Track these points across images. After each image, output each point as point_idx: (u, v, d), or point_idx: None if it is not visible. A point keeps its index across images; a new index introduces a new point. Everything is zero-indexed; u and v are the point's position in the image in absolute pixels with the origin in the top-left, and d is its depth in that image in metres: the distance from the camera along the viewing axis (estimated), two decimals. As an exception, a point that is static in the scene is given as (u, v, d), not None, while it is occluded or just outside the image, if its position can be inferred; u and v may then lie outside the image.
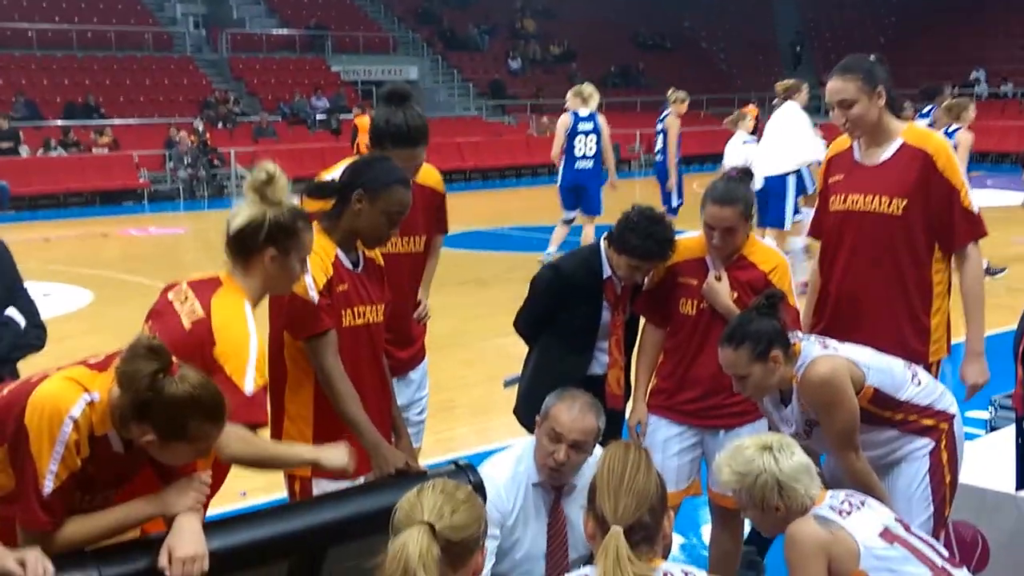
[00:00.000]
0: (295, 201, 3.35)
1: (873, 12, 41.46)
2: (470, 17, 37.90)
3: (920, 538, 3.27)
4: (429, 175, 4.35)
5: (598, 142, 11.98)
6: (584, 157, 11.97)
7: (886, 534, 3.16)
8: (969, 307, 4.11)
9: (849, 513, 3.19)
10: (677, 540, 5.11)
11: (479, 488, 3.48)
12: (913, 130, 4.21)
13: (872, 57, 4.23)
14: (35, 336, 4.07)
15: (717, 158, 19.28)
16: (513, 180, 26.98)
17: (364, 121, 23.59)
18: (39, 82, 27.17)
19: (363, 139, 21.92)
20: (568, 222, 12.32)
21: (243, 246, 3.25)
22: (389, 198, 3.66)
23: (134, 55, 29.68)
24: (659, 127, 13.78)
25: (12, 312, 4.01)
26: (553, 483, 3.82)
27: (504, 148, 28.30)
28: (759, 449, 3.19)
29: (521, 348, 4.65)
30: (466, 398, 5.00)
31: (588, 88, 12.22)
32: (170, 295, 3.25)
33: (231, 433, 2.98)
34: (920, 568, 3.12)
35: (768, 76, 38.94)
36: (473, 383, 4.58)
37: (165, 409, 2.66)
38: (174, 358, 2.75)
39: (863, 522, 3.18)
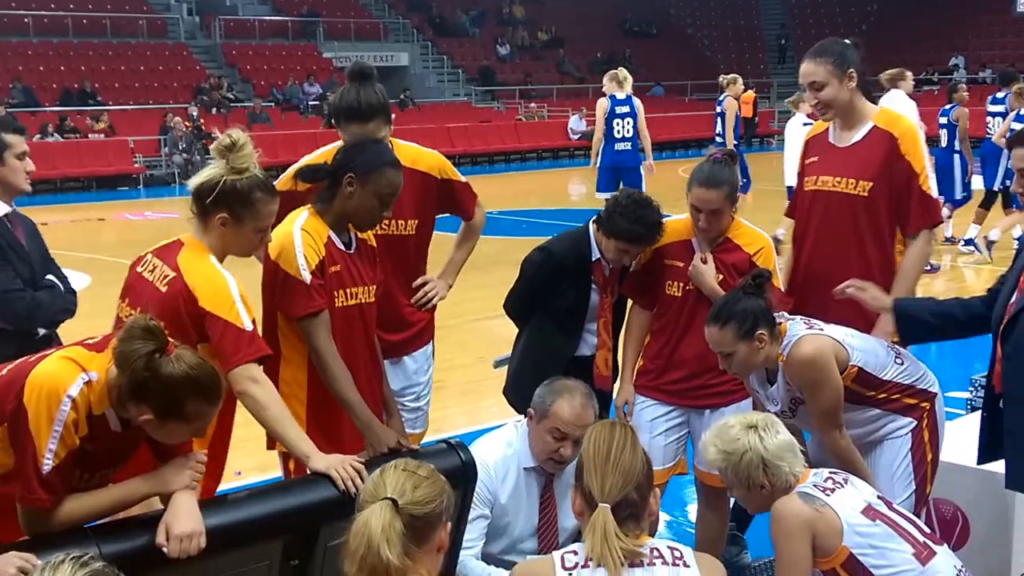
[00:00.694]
0: (258, 171, 3.36)
1: (856, 0, 41.41)
2: (459, 4, 37.73)
3: (902, 515, 3.27)
4: (422, 158, 4.23)
5: (635, 124, 12.12)
6: (623, 139, 12.16)
7: (868, 511, 3.16)
8: (899, 280, 4.10)
9: (832, 491, 3.18)
10: (664, 518, 5.12)
11: (471, 466, 3.48)
12: (885, 113, 4.23)
13: (847, 41, 4.24)
14: (71, 300, 4.26)
15: (702, 143, 19.31)
16: (502, 165, 26.93)
17: None
18: (35, 69, 26.98)
19: None
20: None
21: (198, 205, 3.32)
22: (379, 180, 3.65)
23: (129, 42, 29.50)
24: (718, 110, 13.77)
25: (52, 278, 4.21)
26: (554, 472, 3.85)
27: (493, 133, 28.21)
28: (744, 428, 3.18)
29: (510, 329, 4.63)
30: (456, 378, 5.00)
31: (623, 72, 12.42)
32: (139, 268, 3.32)
33: (241, 376, 3.09)
34: (902, 544, 3.13)
35: (753, 63, 39.02)
36: (463, 364, 4.57)
37: (161, 389, 2.65)
38: (170, 339, 2.74)
39: (846, 499, 3.17)
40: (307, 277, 3.56)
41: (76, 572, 2.17)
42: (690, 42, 41.33)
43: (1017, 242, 10.62)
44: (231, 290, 3.20)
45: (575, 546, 2.68)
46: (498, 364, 4.76)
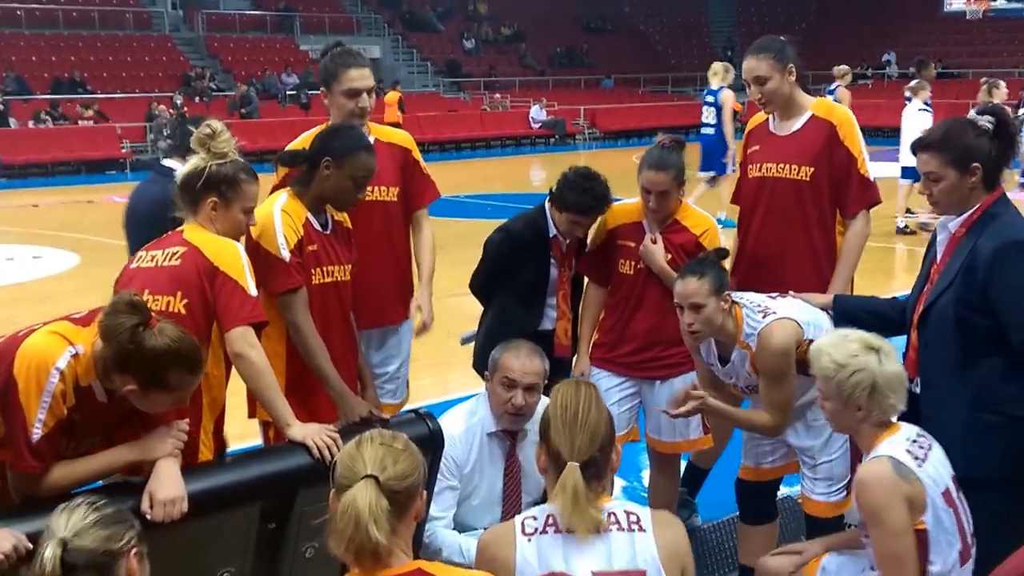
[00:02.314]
0: (237, 155, 3.33)
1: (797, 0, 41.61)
2: (428, 0, 37.47)
3: (962, 504, 2.96)
4: (395, 135, 4.35)
5: (718, 113, 12.45)
6: (705, 124, 12.65)
7: (947, 495, 2.87)
8: (842, 262, 4.13)
9: (924, 459, 2.86)
10: (619, 483, 5.13)
11: (438, 435, 3.46)
12: (821, 103, 4.25)
13: (783, 38, 4.26)
14: None
15: (654, 131, 19.27)
16: (468, 152, 26.83)
17: (393, 96, 23.54)
18: (28, 59, 26.58)
19: (391, 114, 21.99)
20: (710, 181, 12.60)
21: (188, 194, 3.28)
22: (355, 163, 3.64)
23: (116, 34, 29.11)
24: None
25: None
26: (513, 428, 3.81)
27: (460, 122, 28.10)
28: (866, 347, 2.90)
29: (476, 307, 4.61)
30: (426, 352, 4.99)
31: (715, 66, 12.85)
32: (132, 266, 3.24)
33: (240, 338, 3.06)
34: (956, 540, 2.87)
35: (700, 57, 39.07)
36: (432, 338, 4.53)
37: (145, 360, 2.63)
38: (154, 314, 2.71)
39: (934, 473, 2.86)
40: (286, 255, 3.55)
41: (89, 515, 2.20)
42: (642, 37, 41.31)
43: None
44: (242, 256, 3.19)
45: (535, 511, 2.56)
46: (465, 340, 4.73)
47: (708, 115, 12.70)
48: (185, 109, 23.96)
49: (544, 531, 2.48)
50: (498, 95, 31.87)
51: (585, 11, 40.10)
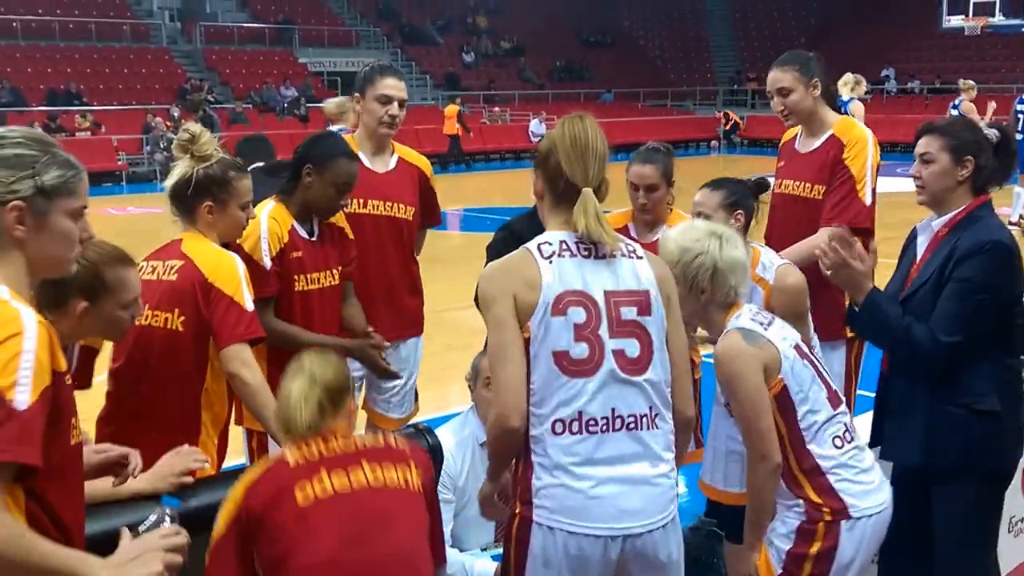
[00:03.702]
0: (222, 152, 3.32)
1: (796, 13, 41.72)
2: (427, 14, 37.58)
3: (817, 358, 3.12)
4: (417, 158, 4.43)
5: None
6: None
7: (799, 349, 2.99)
8: (793, 248, 4.00)
9: (769, 324, 3.01)
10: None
11: (437, 449, 3.42)
12: (844, 122, 4.19)
13: (811, 54, 4.25)
14: None
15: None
16: (467, 166, 26.85)
17: (452, 109, 23.65)
18: (23, 70, 26.59)
19: (449, 126, 22.05)
20: None
21: (181, 203, 3.25)
22: (335, 170, 3.68)
23: (113, 46, 29.14)
24: (955, 114, 13.82)
25: None
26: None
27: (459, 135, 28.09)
28: (708, 233, 3.02)
29: (475, 320, 4.55)
30: (424, 366, 4.96)
31: (845, 77, 12.81)
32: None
33: (235, 357, 3.03)
34: (821, 386, 2.99)
35: (700, 72, 39.21)
36: (430, 352, 4.50)
37: (80, 273, 2.44)
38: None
39: (780, 333, 3.00)
40: (267, 263, 3.62)
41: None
42: (642, 52, 41.44)
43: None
44: (238, 269, 3.16)
45: (547, 236, 2.68)
46: None
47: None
48: (182, 122, 23.98)
49: (560, 255, 2.62)
50: (497, 109, 31.91)
51: (585, 25, 40.22)
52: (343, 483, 2.38)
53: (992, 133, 3.25)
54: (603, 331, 2.58)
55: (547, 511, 2.52)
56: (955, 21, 31.80)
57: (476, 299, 2.72)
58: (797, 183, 4.16)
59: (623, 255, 2.68)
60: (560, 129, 2.70)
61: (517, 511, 2.61)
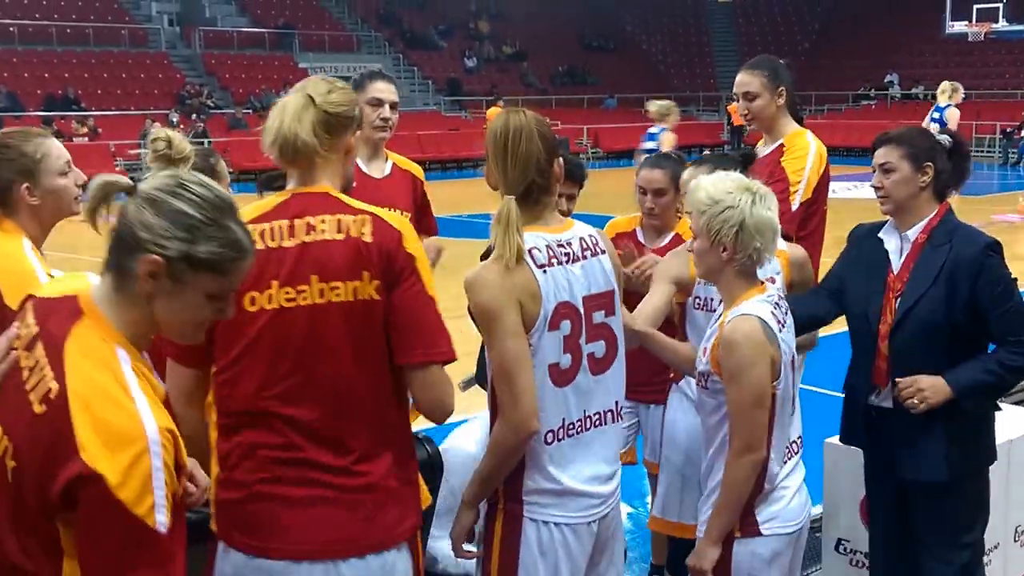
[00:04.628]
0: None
1: (799, 18, 41.79)
2: (428, 18, 37.64)
3: (796, 375, 3.06)
4: (410, 165, 4.40)
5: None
6: None
7: (792, 364, 2.91)
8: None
9: (784, 325, 2.89)
10: (625, 509, 5.07)
11: (437, 459, 3.42)
12: (797, 133, 4.12)
13: (781, 61, 4.24)
14: None
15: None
16: (470, 171, 26.84)
17: (494, 112, 23.67)
18: (20, 75, 26.62)
19: None
20: None
21: None
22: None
23: (111, 51, 29.18)
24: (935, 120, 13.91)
25: None
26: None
27: (461, 141, 28.16)
28: (742, 188, 2.83)
29: (469, 327, 4.55)
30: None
31: (943, 85, 13.22)
32: None
33: None
34: (794, 410, 3.00)
35: (703, 76, 39.27)
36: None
37: (8, 162, 2.72)
38: None
39: (790, 339, 2.91)
40: None
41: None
42: (645, 57, 41.50)
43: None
44: None
45: (532, 240, 2.62)
46: (465, 385, 4.63)
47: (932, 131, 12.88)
48: (181, 127, 24.02)
49: (551, 264, 2.61)
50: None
51: (587, 30, 40.28)
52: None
53: (944, 139, 3.34)
54: (583, 339, 2.65)
55: (538, 507, 2.64)
56: (959, 27, 31.79)
57: (469, 308, 2.65)
58: None
59: (595, 254, 2.70)
60: (491, 125, 2.72)
61: (501, 507, 2.66)
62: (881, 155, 3.33)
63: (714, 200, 2.81)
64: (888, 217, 3.38)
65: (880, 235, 3.39)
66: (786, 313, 2.93)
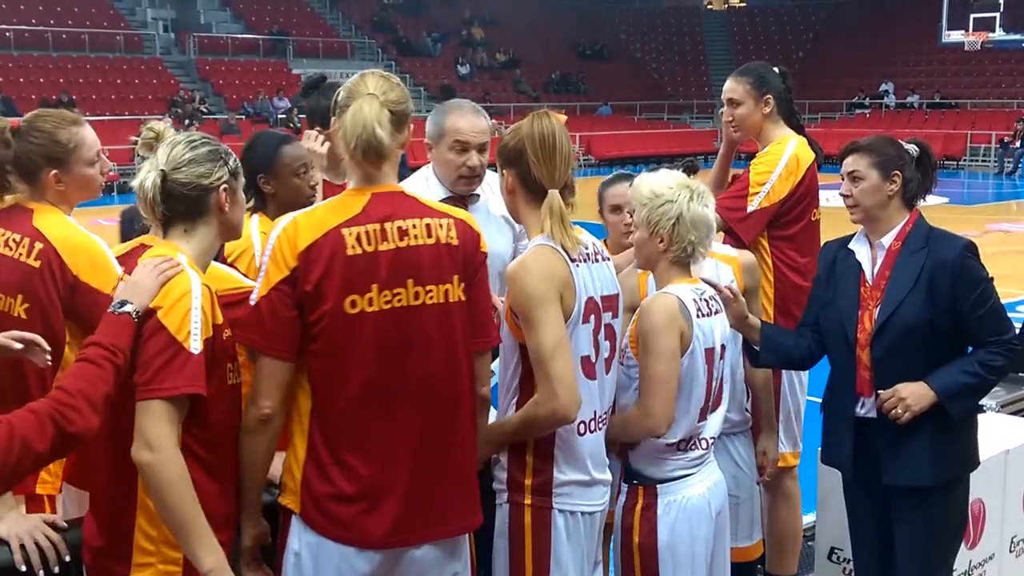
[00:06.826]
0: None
1: (794, 27, 41.90)
2: (422, 25, 37.67)
3: (719, 371, 3.10)
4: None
5: None
6: None
7: (710, 355, 3.00)
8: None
9: (708, 315, 3.02)
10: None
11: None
12: (780, 141, 4.03)
13: (775, 69, 4.14)
14: None
15: (650, 159, 19.32)
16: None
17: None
18: (15, 80, 26.61)
19: None
20: None
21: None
22: (283, 162, 3.53)
23: (106, 56, 29.17)
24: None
25: None
26: (469, 191, 3.72)
27: (454, 148, 28.12)
28: (682, 186, 3.02)
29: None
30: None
31: None
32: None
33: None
34: (702, 391, 3.01)
35: (696, 85, 39.33)
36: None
37: (40, 146, 2.82)
38: None
39: (708, 330, 3.00)
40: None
41: (187, 152, 2.51)
42: (638, 64, 41.56)
43: None
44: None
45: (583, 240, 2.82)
46: None
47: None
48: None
49: (580, 260, 2.77)
50: (493, 121, 31.96)
51: (580, 38, 40.34)
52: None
53: (912, 148, 3.38)
54: (601, 335, 2.80)
55: (567, 498, 2.77)
56: (955, 36, 31.85)
57: (515, 296, 2.69)
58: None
59: (603, 258, 2.88)
60: (529, 127, 2.77)
61: (528, 503, 2.76)
62: (849, 163, 3.35)
63: (655, 194, 3.02)
64: (854, 230, 3.40)
65: (850, 246, 3.40)
66: (715, 310, 3.07)
